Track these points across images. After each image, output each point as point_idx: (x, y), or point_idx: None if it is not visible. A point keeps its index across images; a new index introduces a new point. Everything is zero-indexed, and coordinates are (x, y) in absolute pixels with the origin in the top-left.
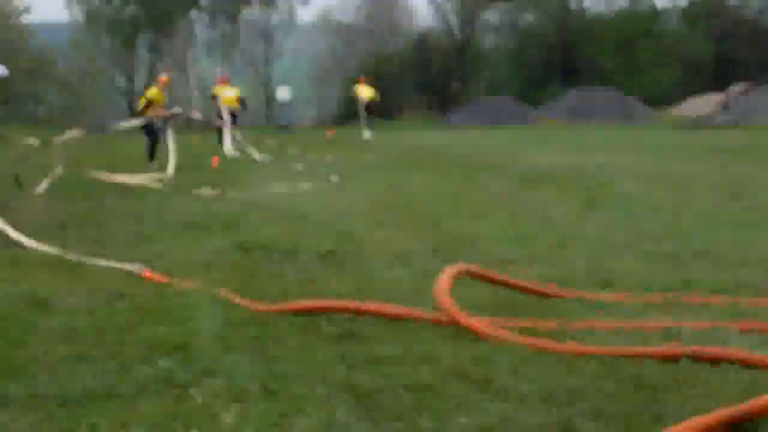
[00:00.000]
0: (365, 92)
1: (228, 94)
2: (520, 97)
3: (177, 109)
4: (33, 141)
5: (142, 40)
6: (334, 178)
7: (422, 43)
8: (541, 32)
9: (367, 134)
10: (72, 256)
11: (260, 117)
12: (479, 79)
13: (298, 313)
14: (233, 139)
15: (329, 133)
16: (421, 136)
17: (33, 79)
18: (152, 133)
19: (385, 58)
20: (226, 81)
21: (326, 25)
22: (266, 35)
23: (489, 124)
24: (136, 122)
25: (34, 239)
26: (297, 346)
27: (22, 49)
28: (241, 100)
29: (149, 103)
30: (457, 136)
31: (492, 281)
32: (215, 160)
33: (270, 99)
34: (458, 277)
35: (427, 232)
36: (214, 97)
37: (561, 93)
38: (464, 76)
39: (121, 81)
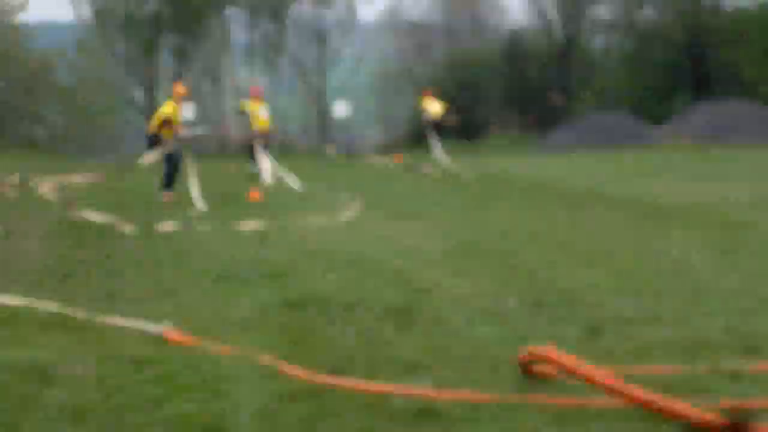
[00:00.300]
0: (433, 107)
1: (262, 114)
2: (638, 113)
3: (201, 130)
4: (13, 180)
5: (166, 43)
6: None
7: (515, 45)
8: (665, 31)
9: (437, 157)
10: (79, 314)
11: (311, 137)
12: (586, 91)
13: None
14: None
15: (397, 158)
16: (512, 161)
17: (29, 93)
18: (172, 159)
19: (468, 64)
20: (259, 95)
21: (394, 24)
22: (320, 37)
23: (599, 146)
24: (157, 153)
25: (33, 293)
26: (359, 428)
27: (17, 55)
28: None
29: (166, 122)
30: (559, 161)
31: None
32: (255, 194)
33: (324, 115)
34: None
35: (520, 281)
36: (242, 113)
37: (690, 107)
38: (567, 87)
39: (138, 94)
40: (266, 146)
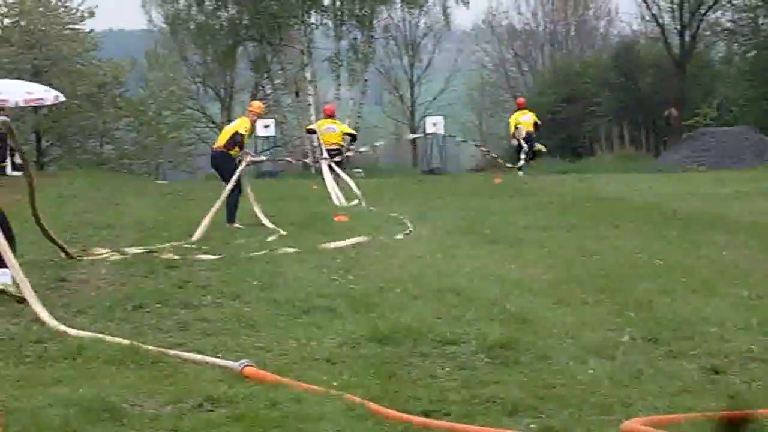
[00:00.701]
0: (525, 120)
1: (328, 130)
2: (763, 127)
3: (263, 157)
4: None
5: (244, 54)
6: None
7: (626, 54)
8: None
9: (521, 172)
10: (150, 348)
11: (403, 157)
12: (705, 103)
13: None
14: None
15: (497, 180)
16: (622, 181)
17: (97, 107)
18: (237, 185)
19: (575, 75)
20: (331, 114)
21: (492, 31)
22: (411, 46)
23: (719, 164)
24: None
25: (99, 325)
26: None
27: (82, 67)
28: (352, 136)
29: (236, 141)
30: (675, 181)
31: None
32: (341, 216)
33: (417, 132)
34: None
35: (633, 313)
36: (311, 132)
37: None
38: (684, 99)
39: (215, 108)
40: (338, 164)
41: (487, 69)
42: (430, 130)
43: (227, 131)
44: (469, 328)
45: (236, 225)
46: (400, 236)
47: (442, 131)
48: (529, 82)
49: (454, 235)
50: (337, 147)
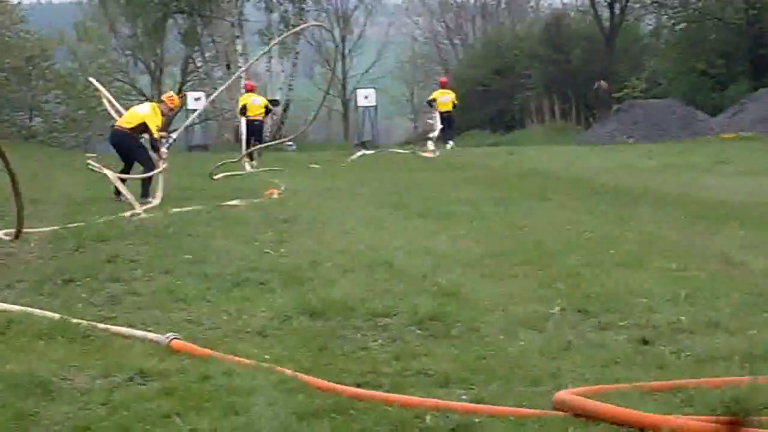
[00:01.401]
0: (444, 101)
1: (254, 103)
2: (691, 101)
3: (172, 139)
4: None
5: (174, 26)
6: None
7: (556, 27)
8: (721, 11)
9: (430, 149)
10: (80, 322)
11: (334, 130)
12: (634, 76)
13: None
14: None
15: (426, 152)
16: (551, 154)
17: (26, 81)
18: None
19: (505, 48)
20: (251, 88)
21: (423, 3)
22: (343, 19)
23: (647, 137)
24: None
25: (29, 298)
26: None
27: (9, 40)
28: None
29: (152, 136)
30: (603, 154)
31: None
32: (272, 190)
33: (348, 105)
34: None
35: (561, 286)
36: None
37: (748, 94)
38: (613, 72)
39: (145, 81)
40: (258, 134)
41: (419, 41)
42: (361, 102)
43: (135, 115)
44: (400, 301)
45: (149, 199)
46: (329, 212)
47: (374, 103)
48: (460, 55)
49: (384, 209)
50: (261, 118)
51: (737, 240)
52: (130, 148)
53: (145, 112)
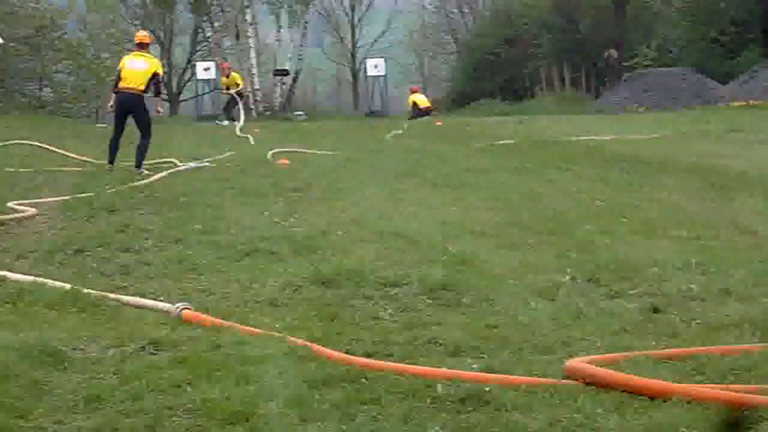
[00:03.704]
0: (422, 99)
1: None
2: (702, 69)
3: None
4: None
5: None
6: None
7: None
8: None
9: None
10: (92, 292)
11: (343, 100)
12: (645, 45)
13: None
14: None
15: (438, 122)
16: (564, 123)
17: (36, 51)
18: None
19: (515, 17)
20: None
21: None
22: None
23: (660, 106)
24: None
25: (41, 269)
26: (400, 415)
27: (19, 10)
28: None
29: (162, 81)
30: (615, 123)
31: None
32: (284, 160)
33: (357, 75)
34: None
35: (575, 255)
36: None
37: (760, 62)
38: (624, 41)
39: (154, 51)
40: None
41: (428, 11)
42: (371, 72)
43: (141, 73)
44: (411, 270)
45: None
46: (343, 182)
47: (383, 73)
48: (470, 24)
49: (397, 178)
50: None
51: (751, 209)
52: (144, 111)
53: (145, 67)
